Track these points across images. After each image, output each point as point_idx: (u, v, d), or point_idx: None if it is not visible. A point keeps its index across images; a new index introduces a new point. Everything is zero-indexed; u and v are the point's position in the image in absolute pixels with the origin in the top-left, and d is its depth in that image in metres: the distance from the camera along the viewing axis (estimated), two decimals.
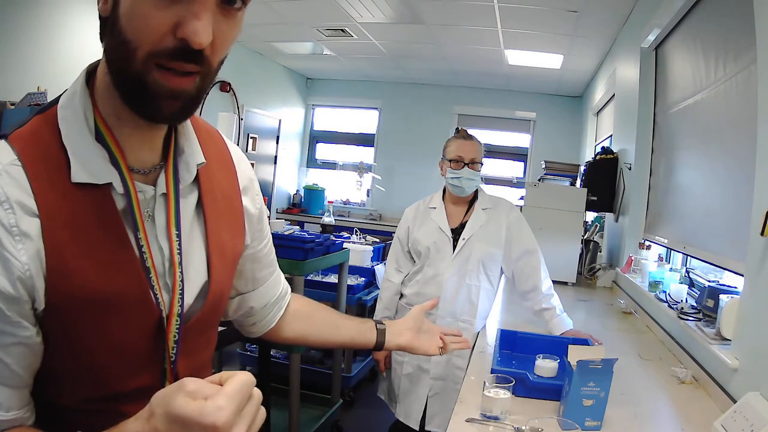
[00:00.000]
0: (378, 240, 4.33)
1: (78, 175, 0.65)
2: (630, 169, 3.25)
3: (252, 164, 1.01)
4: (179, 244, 0.73)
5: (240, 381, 0.54)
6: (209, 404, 0.51)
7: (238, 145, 1.02)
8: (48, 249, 0.62)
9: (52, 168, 0.64)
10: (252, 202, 0.89)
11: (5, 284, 0.60)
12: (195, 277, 0.76)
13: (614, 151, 3.65)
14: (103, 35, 0.64)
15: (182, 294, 0.72)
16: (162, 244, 0.72)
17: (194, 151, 0.77)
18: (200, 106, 0.69)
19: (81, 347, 0.66)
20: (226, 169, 0.84)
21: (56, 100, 0.69)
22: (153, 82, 0.60)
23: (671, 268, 2.55)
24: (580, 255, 3.31)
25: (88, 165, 0.66)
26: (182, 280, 0.72)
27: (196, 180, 0.77)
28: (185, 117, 0.66)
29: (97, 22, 0.65)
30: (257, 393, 0.56)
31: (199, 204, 0.78)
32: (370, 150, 7.32)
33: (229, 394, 0.52)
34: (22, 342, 0.63)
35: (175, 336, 0.72)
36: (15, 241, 0.61)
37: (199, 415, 0.50)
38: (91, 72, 0.70)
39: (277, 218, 5.72)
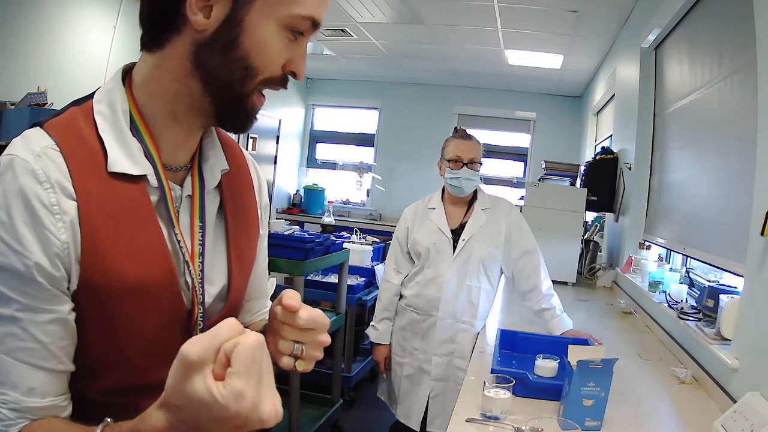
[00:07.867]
0: (378, 240, 4.34)
1: (115, 164, 0.67)
2: (630, 169, 3.25)
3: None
4: (202, 236, 0.75)
5: (246, 347, 0.49)
6: (227, 392, 0.47)
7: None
8: (84, 231, 0.64)
9: (89, 156, 0.67)
10: (263, 217, 0.91)
11: (44, 261, 0.62)
12: (216, 279, 0.78)
13: (614, 151, 3.65)
14: (204, 50, 0.67)
15: (202, 283, 0.74)
16: (186, 243, 0.74)
17: (219, 158, 0.80)
18: None
19: (110, 333, 0.68)
20: (245, 180, 0.87)
21: (91, 95, 0.72)
22: (251, 103, 0.71)
23: (671, 268, 2.55)
24: (580, 255, 3.31)
25: (125, 156, 0.68)
26: (202, 270, 0.75)
27: (219, 187, 0.80)
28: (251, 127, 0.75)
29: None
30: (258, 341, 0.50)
31: (221, 210, 0.81)
32: (370, 150, 7.30)
33: (241, 372, 0.48)
34: (60, 318, 0.64)
35: (200, 325, 0.74)
36: (55, 219, 0.63)
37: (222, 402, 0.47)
38: (127, 71, 0.74)
39: (277, 218, 5.71)
